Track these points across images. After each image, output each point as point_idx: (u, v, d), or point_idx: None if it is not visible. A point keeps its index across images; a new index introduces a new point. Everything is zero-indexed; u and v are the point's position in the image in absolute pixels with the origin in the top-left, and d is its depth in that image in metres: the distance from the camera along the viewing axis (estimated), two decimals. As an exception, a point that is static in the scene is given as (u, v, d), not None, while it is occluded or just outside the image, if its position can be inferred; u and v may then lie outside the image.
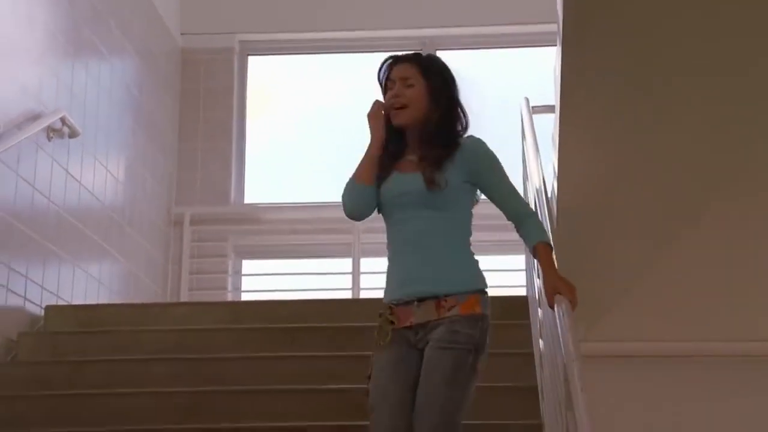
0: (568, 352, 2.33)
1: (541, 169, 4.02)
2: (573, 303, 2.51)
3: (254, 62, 7.16)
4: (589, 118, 3.87)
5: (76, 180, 5.03)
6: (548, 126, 4.53)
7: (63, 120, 4.77)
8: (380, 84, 2.75)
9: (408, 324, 2.50)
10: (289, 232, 6.57)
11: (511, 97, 5.60)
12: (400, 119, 2.66)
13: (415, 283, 2.52)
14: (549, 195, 4.02)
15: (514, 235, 6.30)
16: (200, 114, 6.83)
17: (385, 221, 2.67)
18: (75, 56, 5.11)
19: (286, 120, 7.20)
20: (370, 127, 2.68)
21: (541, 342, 3.33)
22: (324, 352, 4.05)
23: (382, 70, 2.73)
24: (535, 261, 2.77)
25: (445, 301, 2.48)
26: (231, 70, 6.93)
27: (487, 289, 2.59)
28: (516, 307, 4.24)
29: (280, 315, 4.56)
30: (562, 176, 4.18)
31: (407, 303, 2.51)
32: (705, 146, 3.94)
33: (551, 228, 3.26)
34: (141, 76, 6.13)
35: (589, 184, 4.23)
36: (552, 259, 2.62)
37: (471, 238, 2.67)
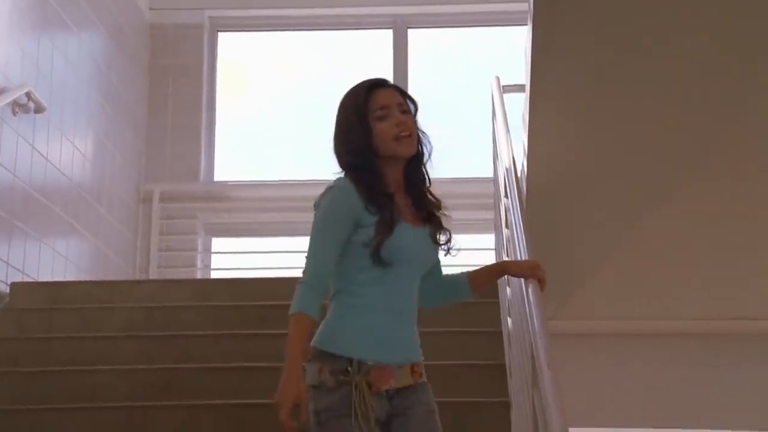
0: (535, 329, 2.34)
1: (512, 148, 4.03)
2: (542, 282, 2.46)
3: (225, 39, 7.10)
4: (558, 98, 3.88)
5: (43, 156, 4.97)
6: (519, 105, 4.54)
7: (29, 95, 4.71)
8: (360, 111, 2.35)
9: (387, 387, 2.27)
10: (259, 209, 6.54)
11: (482, 76, 5.61)
12: (410, 149, 2.36)
13: (405, 349, 2.34)
14: (519, 174, 4.03)
15: (483, 215, 6.33)
16: (169, 90, 6.76)
17: (369, 265, 2.29)
18: (41, 30, 5.04)
19: (256, 98, 7.16)
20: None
21: (509, 320, 3.35)
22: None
23: (362, 95, 2.37)
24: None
25: (417, 366, 2.36)
26: (201, 46, 6.87)
27: None
28: (485, 285, 4.25)
29: (249, 293, 4.55)
30: (531, 155, 4.20)
31: (385, 365, 2.28)
32: (674, 126, 3.97)
33: (521, 208, 3.26)
34: (109, 51, 6.06)
35: (559, 163, 4.25)
36: None
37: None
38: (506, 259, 3.45)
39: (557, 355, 2.16)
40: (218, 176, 6.84)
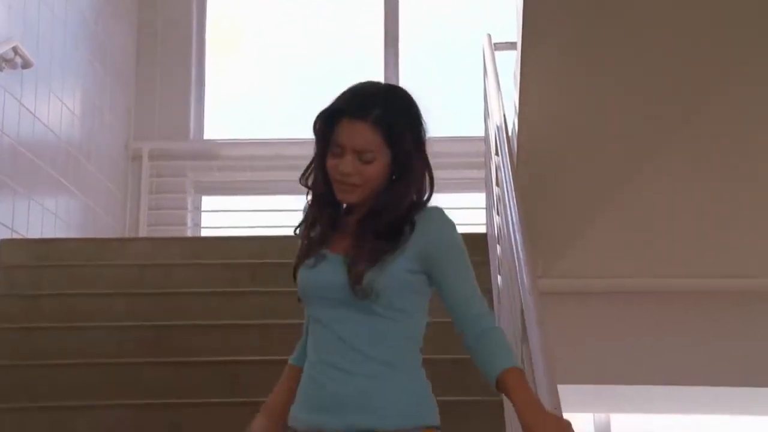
0: (524, 285, 2.35)
1: (503, 106, 4.01)
2: None
3: (215, -5, 7.03)
4: (550, 56, 3.86)
5: (30, 112, 4.93)
6: (510, 66, 4.51)
7: (15, 50, 4.66)
8: (324, 137, 1.87)
9: None
10: (249, 168, 6.52)
11: (474, 37, 5.57)
12: (348, 198, 1.88)
13: (339, 412, 1.78)
14: (510, 133, 4.02)
15: (474, 173, 6.31)
16: (158, 47, 6.70)
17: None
18: (28, -15, 4.98)
19: (247, 55, 7.10)
20: None
21: (499, 278, 3.36)
22: (283, 288, 4.05)
23: (325, 119, 1.87)
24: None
25: None
26: (190, 2, 6.79)
27: (438, 426, 1.84)
28: (475, 244, 4.26)
29: (239, 251, 4.55)
30: (522, 113, 4.19)
31: None
32: (665, 85, 3.95)
33: (511, 167, 3.26)
34: (97, 6, 5.99)
35: (550, 121, 4.24)
36: (531, 389, 1.77)
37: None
38: (496, 217, 3.45)
39: (546, 314, 2.17)
40: (208, 134, 6.80)
